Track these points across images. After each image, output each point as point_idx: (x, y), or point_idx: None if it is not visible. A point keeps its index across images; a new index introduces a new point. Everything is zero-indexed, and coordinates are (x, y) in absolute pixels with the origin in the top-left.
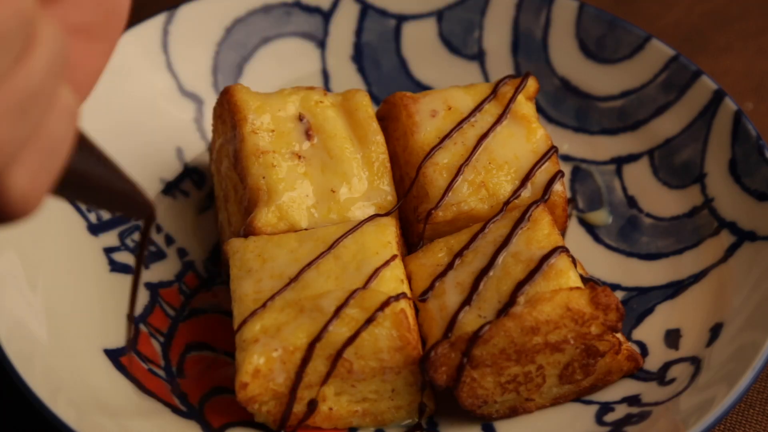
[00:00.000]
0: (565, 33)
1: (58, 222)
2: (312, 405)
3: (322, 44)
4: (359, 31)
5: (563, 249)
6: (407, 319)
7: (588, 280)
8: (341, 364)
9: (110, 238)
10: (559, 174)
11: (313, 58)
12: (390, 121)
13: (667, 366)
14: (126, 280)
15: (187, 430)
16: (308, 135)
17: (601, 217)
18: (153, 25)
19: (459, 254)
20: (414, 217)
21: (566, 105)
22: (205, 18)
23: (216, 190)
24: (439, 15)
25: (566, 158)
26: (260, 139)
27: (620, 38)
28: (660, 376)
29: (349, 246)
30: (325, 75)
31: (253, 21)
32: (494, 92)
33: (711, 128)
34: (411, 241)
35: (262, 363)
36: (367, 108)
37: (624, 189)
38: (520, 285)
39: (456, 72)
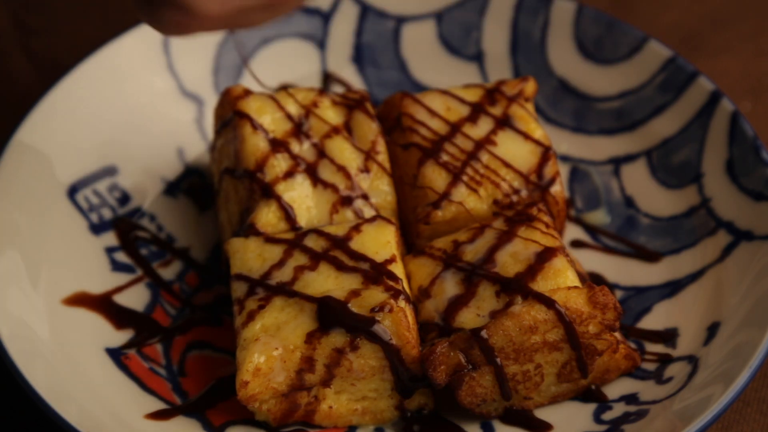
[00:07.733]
0: (563, 34)
1: (59, 222)
2: (312, 403)
3: (322, 45)
4: (359, 32)
5: (561, 249)
6: (406, 318)
7: (586, 280)
8: (341, 363)
9: (111, 237)
10: (557, 174)
11: (313, 59)
12: (390, 121)
13: (664, 365)
14: (127, 279)
15: (188, 428)
16: (308, 135)
17: (599, 216)
18: None
19: (458, 254)
20: (414, 217)
21: (564, 105)
22: None
23: (216, 190)
24: (439, 16)
25: (565, 158)
26: (260, 139)
27: (618, 39)
28: (657, 375)
29: (349, 246)
30: (325, 76)
31: None
32: (493, 93)
33: (708, 128)
34: (411, 241)
35: (263, 362)
36: (367, 108)
37: (622, 189)
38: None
39: (455, 72)
